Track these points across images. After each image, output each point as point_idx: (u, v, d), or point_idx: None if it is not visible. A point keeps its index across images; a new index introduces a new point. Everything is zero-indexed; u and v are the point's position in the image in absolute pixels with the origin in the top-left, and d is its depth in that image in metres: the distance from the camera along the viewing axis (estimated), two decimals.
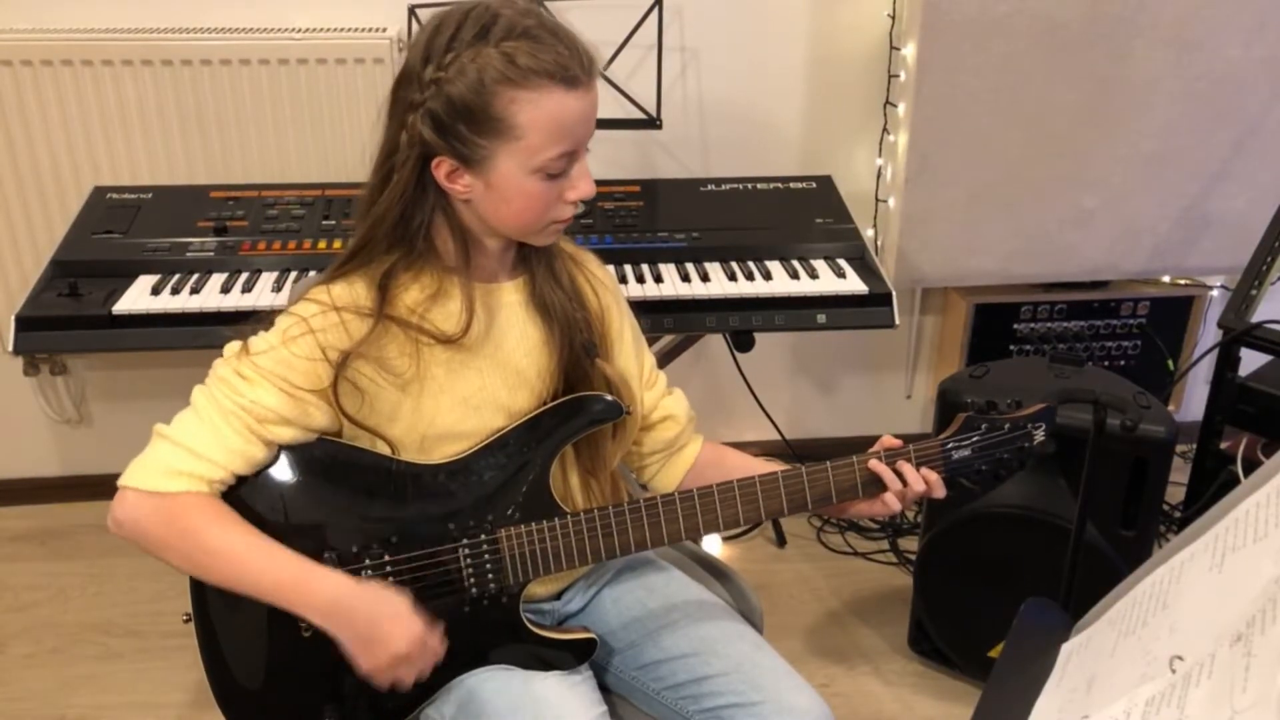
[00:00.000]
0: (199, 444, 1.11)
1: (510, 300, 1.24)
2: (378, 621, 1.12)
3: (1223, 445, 2.14)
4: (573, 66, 1.09)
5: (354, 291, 1.16)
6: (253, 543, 1.12)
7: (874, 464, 1.21)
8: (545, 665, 1.23)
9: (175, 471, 1.10)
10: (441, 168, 1.12)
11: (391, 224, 1.15)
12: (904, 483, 1.21)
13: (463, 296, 1.18)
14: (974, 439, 1.24)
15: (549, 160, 1.11)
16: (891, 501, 1.22)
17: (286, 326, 1.14)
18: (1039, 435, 1.25)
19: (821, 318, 1.87)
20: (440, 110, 1.09)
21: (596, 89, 1.13)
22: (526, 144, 1.10)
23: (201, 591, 1.17)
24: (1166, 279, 2.57)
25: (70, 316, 1.74)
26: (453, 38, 1.09)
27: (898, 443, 1.24)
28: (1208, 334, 2.56)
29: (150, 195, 2.02)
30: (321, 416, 1.15)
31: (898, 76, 2.29)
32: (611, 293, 1.34)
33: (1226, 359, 1.94)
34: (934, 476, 1.22)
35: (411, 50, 1.13)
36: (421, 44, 1.11)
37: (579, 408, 1.22)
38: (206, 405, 1.13)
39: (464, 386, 1.19)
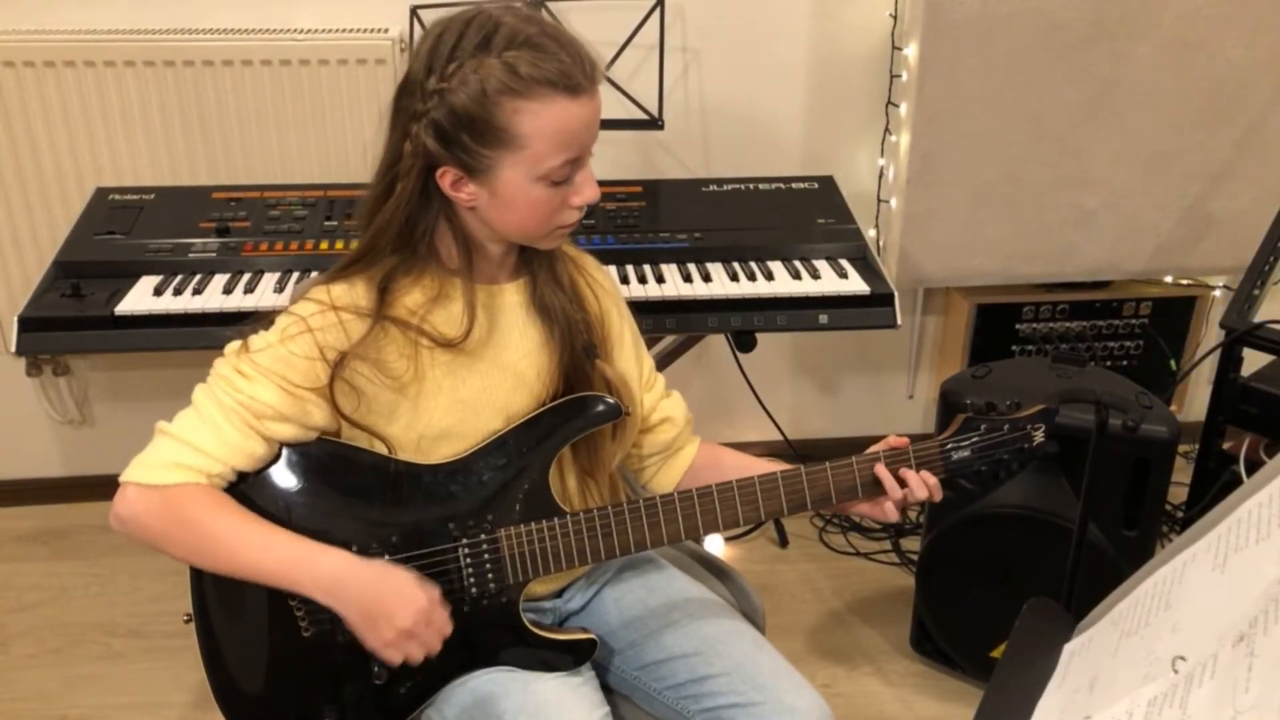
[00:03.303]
0: (199, 439, 1.11)
1: (511, 301, 1.24)
2: (380, 597, 1.12)
3: (1225, 445, 2.13)
4: (575, 74, 1.09)
5: (354, 292, 1.16)
6: (252, 526, 1.12)
7: (879, 468, 1.22)
8: (546, 666, 1.23)
9: (175, 464, 1.11)
10: (446, 177, 1.12)
11: (395, 232, 1.15)
12: (903, 487, 1.21)
13: (465, 300, 1.18)
14: (973, 440, 1.24)
15: (554, 168, 1.11)
16: (890, 511, 1.23)
17: (285, 325, 1.15)
18: (1038, 436, 1.25)
19: (823, 318, 1.87)
20: (444, 120, 1.09)
21: (599, 95, 1.13)
22: (531, 153, 1.10)
23: (202, 592, 1.17)
24: (1169, 279, 2.56)
25: (73, 317, 1.74)
26: (455, 47, 1.08)
27: (903, 442, 1.24)
28: (1210, 334, 2.56)
29: (152, 196, 2.03)
30: (320, 415, 1.15)
31: (900, 77, 2.29)
32: (611, 295, 1.34)
33: (1229, 359, 1.94)
34: (932, 480, 1.23)
35: (414, 59, 1.12)
36: (424, 53, 1.10)
37: (579, 408, 1.22)
38: (206, 402, 1.13)
39: (464, 389, 1.19)
